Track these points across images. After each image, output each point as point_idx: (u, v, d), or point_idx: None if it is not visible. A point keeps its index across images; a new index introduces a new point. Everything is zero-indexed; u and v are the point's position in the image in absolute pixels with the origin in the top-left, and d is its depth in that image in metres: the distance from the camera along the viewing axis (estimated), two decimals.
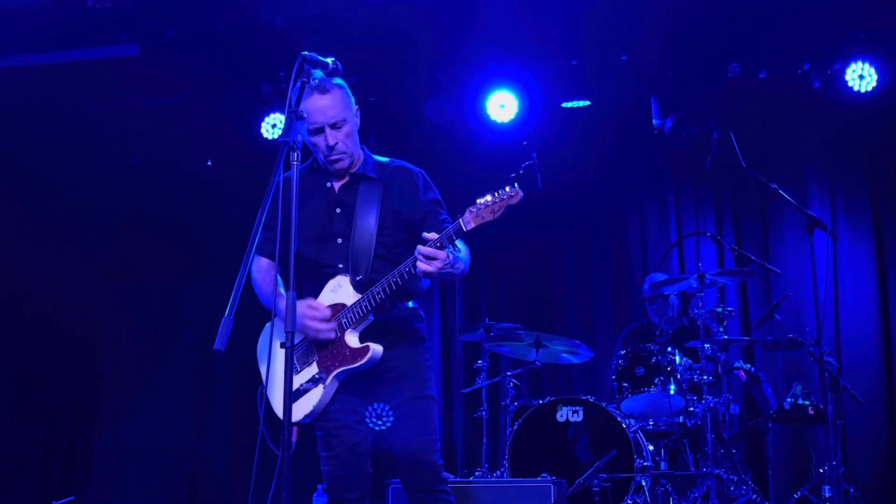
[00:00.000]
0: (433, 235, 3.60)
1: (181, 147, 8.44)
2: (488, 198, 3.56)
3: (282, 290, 3.79)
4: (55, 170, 8.15)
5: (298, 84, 3.43)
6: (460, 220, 3.58)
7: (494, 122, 8.07)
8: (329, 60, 3.55)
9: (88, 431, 8.77)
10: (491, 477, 6.31)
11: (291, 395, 3.12)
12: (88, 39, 7.53)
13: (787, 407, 6.36)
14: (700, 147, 7.57)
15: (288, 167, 3.28)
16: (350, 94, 3.97)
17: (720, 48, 7.63)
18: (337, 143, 3.90)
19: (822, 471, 6.23)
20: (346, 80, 3.97)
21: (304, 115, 3.45)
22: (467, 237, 3.67)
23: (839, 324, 7.76)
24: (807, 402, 6.35)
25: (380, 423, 3.89)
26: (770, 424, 6.45)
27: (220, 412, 8.64)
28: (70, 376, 8.82)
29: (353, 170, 4.01)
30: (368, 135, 6.57)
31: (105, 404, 8.78)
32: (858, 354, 7.69)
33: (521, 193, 3.56)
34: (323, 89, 3.85)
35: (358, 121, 4.01)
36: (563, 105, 8.17)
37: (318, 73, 3.62)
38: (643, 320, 7.55)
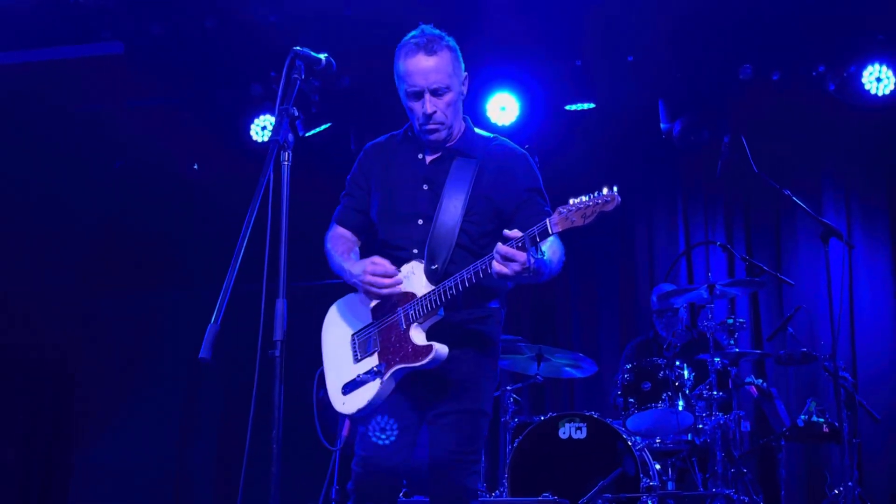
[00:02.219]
0: (516, 233, 3.27)
1: (166, 150, 8.36)
2: (583, 198, 3.23)
3: (357, 255, 3.78)
4: (33, 173, 8.10)
5: (291, 81, 3.28)
6: (547, 221, 3.26)
7: (495, 126, 7.94)
8: (322, 56, 3.39)
9: (68, 446, 8.69)
10: (490, 497, 6.19)
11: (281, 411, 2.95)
12: (70, 36, 7.45)
13: (800, 424, 6.22)
14: (710, 152, 7.71)
15: (278, 168, 3.12)
16: (461, 59, 3.73)
17: (731, 49, 7.57)
18: (436, 112, 3.59)
19: (836, 492, 6.09)
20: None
21: (294, 112, 3.24)
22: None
23: (855, 337, 7.68)
24: (821, 420, 6.22)
25: (426, 430, 3.66)
26: (783, 443, 6.36)
27: (205, 426, 8.58)
28: (48, 389, 8.78)
29: (450, 144, 3.71)
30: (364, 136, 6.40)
31: (85, 418, 8.72)
32: (875, 369, 7.60)
33: (618, 199, 3.20)
34: (430, 49, 3.61)
35: (465, 89, 3.74)
36: (567, 108, 8.05)
37: (428, 28, 3.61)
38: (650, 333, 7.47)
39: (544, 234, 3.25)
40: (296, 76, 3.28)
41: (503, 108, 7.88)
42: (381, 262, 3.59)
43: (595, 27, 7.33)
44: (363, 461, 3.62)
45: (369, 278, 3.56)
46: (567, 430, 6.14)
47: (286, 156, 3.14)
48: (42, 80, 7.67)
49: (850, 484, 5.76)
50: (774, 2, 7.10)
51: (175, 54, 7.56)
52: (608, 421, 6.16)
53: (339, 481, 5.84)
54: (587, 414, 6.20)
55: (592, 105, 8.00)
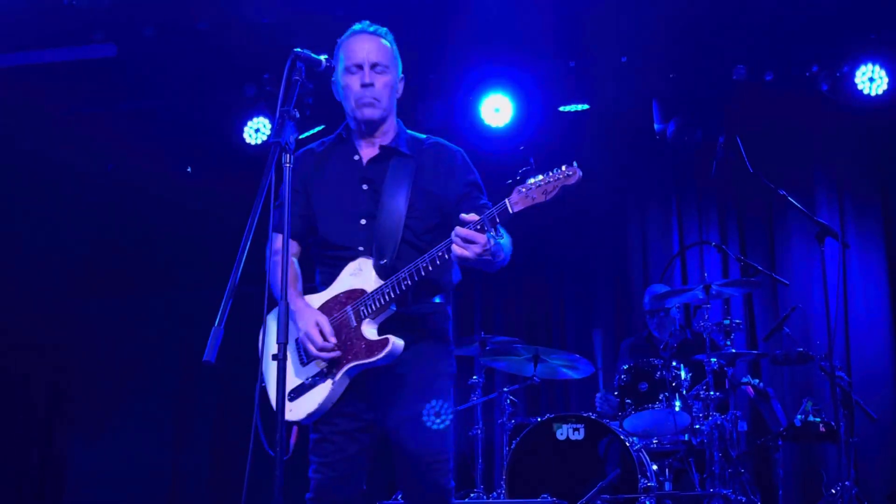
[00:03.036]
0: (473, 217, 3.24)
1: (159, 153, 8.34)
2: (540, 177, 3.20)
3: (296, 264, 3.68)
4: (26, 176, 8.05)
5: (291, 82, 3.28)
6: (506, 200, 3.23)
7: (489, 127, 7.96)
8: (322, 58, 3.41)
9: (61, 450, 8.64)
10: (487, 498, 6.18)
11: (284, 402, 2.96)
12: (62, 39, 7.40)
13: (797, 424, 6.24)
14: (704, 152, 7.68)
15: (280, 170, 3.12)
16: (399, 59, 3.72)
17: (725, 49, 7.56)
18: (373, 86, 3.60)
19: (833, 491, 6.11)
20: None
21: (296, 115, 3.24)
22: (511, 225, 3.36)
23: (850, 336, 7.66)
24: (818, 419, 6.24)
25: (388, 433, 3.54)
26: (780, 442, 6.37)
27: (201, 428, 8.53)
28: (41, 393, 8.72)
29: (385, 142, 3.70)
30: None
31: (78, 422, 8.68)
32: (871, 368, 7.59)
33: (579, 172, 3.18)
34: (374, 32, 3.66)
35: (400, 88, 3.74)
36: (561, 109, 8.07)
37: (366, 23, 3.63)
38: (643, 333, 7.45)
39: (504, 216, 3.22)
40: (296, 78, 3.27)
41: (497, 109, 7.87)
42: (324, 327, 3.47)
43: (588, 28, 7.31)
44: (319, 467, 3.55)
45: (312, 341, 3.45)
46: (564, 432, 6.12)
47: (287, 158, 3.13)
48: (34, 83, 7.62)
49: (847, 483, 5.75)
50: (767, 2, 7.09)
51: (168, 56, 7.51)
52: (605, 422, 6.14)
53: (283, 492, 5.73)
54: (584, 415, 6.19)
55: (587, 106, 8.01)
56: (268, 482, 2.94)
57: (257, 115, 8.03)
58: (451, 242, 3.25)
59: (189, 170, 8.52)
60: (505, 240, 3.40)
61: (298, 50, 3.32)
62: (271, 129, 3.24)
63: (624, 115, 8.00)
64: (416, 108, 7.81)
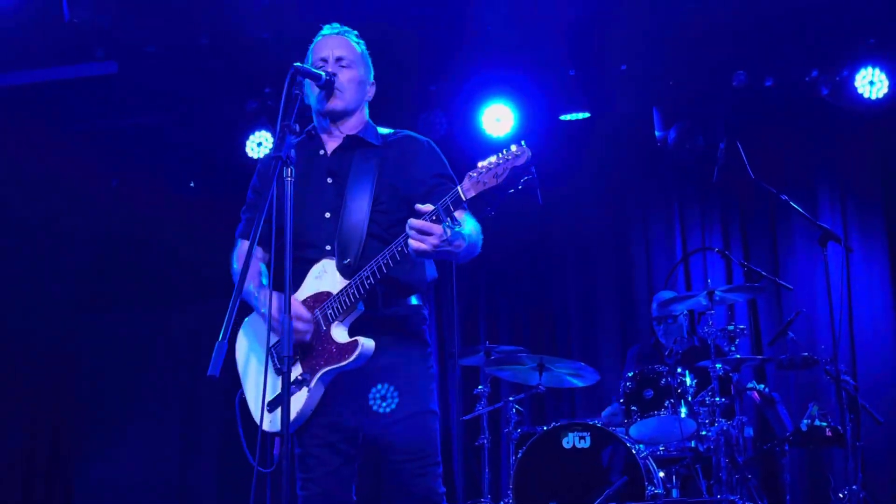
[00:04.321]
0: (428, 207, 3.14)
1: (162, 168, 8.35)
2: (491, 159, 3.14)
3: (264, 281, 3.57)
4: (31, 193, 8.04)
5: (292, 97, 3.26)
6: (458, 187, 3.15)
7: (490, 137, 7.92)
8: (322, 73, 3.46)
9: (68, 463, 8.61)
10: None
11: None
12: (64, 56, 7.38)
13: (803, 429, 6.20)
14: (705, 159, 7.67)
15: (281, 184, 3.09)
16: (371, 65, 3.70)
17: (724, 56, 7.56)
18: (338, 75, 3.55)
19: (841, 496, 6.09)
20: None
21: (296, 129, 3.21)
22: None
23: (854, 340, 7.58)
24: (824, 424, 6.18)
25: (371, 442, 3.46)
26: (786, 447, 6.31)
27: (207, 443, 8.48)
28: (47, 409, 8.69)
29: (351, 131, 3.64)
30: None
31: (85, 435, 8.65)
32: (876, 372, 7.55)
33: (528, 152, 3.12)
34: (342, 33, 3.65)
35: (370, 91, 3.69)
36: (562, 117, 8.02)
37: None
38: (650, 340, 7.43)
39: (458, 203, 3.13)
40: (297, 92, 3.27)
41: (498, 119, 7.85)
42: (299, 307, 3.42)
43: (588, 37, 7.32)
44: (304, 484, 3.49)
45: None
46: (571, 440, 6.08)
47: (289, 171, 3.11)
48: (37, 101, 7.63)
49: (854, 487, 5.75)
50: (766, 8, 7.07)
51: (169, 72, 7.49)
52: (612, 430, 6.11)
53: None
54: (590, 423, 6.16)
55: (587, 114, 7.97)
56: (274, 495, 2.93)
57: (259, 130, 8.00)
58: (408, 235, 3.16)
59: (192, 185, 8.51)
60: (468, 228, 3.29)
61: (298, 65, 3.32)
62: (273, 144, 3.22)
63: (625, 123, 8.00)
64: (417, 118, 7.84)
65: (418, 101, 7.88)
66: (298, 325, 3.37)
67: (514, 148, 3.13)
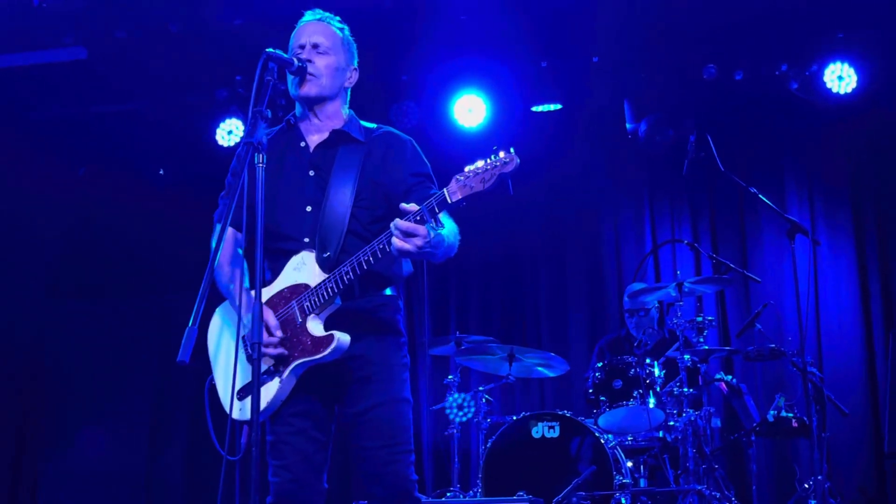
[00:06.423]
0: (413, 207, 3.14)
1: (131, 156, 8.28)
2: (479, 164, 3.13)
3: (246, 284, 3.53)
4: None
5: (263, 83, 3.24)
6: (445, 190, 3.15)
7: (462, 127, 7.94)
8: (294, 59, 3.46)
9: (35, 455, 8.52)
10: (464, 497, 6.15)
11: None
12: (32, 42, 7.28)
13: (770, 419, 6.26)
14: (675, 151, 7.65)
15: (253, 170, 3.08)
16: (353, 50, 3.67)
17: (695, 49, 7.58)
18: (313, 61, 3.53)
19: (807, 486, 6.15)
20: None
21: (268, 115, 3.20)
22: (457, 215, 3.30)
23: (821, 332, 7.69)
24: (790, 415, 6.26)
25: (344, 430, 3.45)
26: (753, 438, 6.37)
27: (177, 433, 8.42)
28: (14, 398, 8.58)
29: (336, 126, 3.63)
30: None
31: (52, 427, 8.54)
32: (842, 364, 7.63)
33: (516, 159, 3.10)
34: (321, 18, 3.61)
35: (353, 77, 3.67)
36: (534, 109, 8.02)
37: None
38: (621, 331, 7.46)
39: (443, 205, 3.13)
40: (269, 78, 3.24)
41: (470, 110, 7.85)
42: (269, 323, 3.38)
43: (561, 29, 7.33)
44: (277, 470, 3.46)
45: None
46: (540, 430, 6.12)
47: (261, 158, 3.10)
48: (5, 86, 7.55)
49: (819, 478, 5.78)
50: (737, 2, 7.09)
51: (139, 59, 7.42)
52: (580, 419, 6.14)
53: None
54: (560, 413, 6.18)
55: (559, 106, 7.98)
56: (243, 485, 2.93)
57: (229, 117, 7.95)
58: (392, 234, 3.15)
59: (161, 172, 8.45)
60: (447, 230, 3.30)
61: (270, 50, 3.29)
62: (244, 130, 3.20)
63: (596, 115, 8.01)
64: (388, 109, 7.80)
65: (390, 91, 7.84)
66: (271, 340, 3.35)
67: (502, 154, 3.10)
